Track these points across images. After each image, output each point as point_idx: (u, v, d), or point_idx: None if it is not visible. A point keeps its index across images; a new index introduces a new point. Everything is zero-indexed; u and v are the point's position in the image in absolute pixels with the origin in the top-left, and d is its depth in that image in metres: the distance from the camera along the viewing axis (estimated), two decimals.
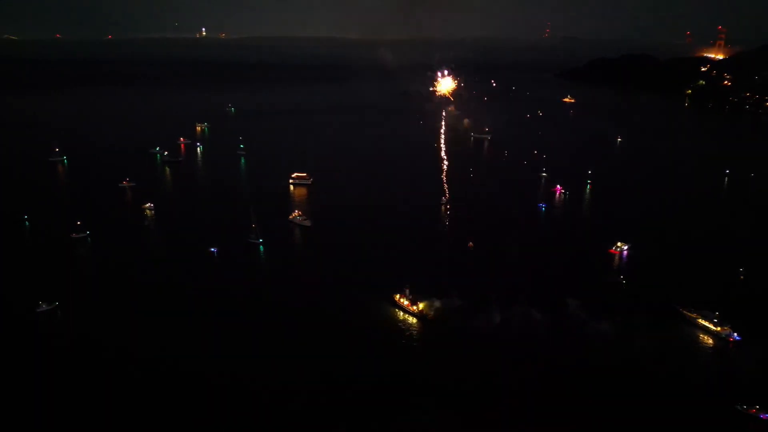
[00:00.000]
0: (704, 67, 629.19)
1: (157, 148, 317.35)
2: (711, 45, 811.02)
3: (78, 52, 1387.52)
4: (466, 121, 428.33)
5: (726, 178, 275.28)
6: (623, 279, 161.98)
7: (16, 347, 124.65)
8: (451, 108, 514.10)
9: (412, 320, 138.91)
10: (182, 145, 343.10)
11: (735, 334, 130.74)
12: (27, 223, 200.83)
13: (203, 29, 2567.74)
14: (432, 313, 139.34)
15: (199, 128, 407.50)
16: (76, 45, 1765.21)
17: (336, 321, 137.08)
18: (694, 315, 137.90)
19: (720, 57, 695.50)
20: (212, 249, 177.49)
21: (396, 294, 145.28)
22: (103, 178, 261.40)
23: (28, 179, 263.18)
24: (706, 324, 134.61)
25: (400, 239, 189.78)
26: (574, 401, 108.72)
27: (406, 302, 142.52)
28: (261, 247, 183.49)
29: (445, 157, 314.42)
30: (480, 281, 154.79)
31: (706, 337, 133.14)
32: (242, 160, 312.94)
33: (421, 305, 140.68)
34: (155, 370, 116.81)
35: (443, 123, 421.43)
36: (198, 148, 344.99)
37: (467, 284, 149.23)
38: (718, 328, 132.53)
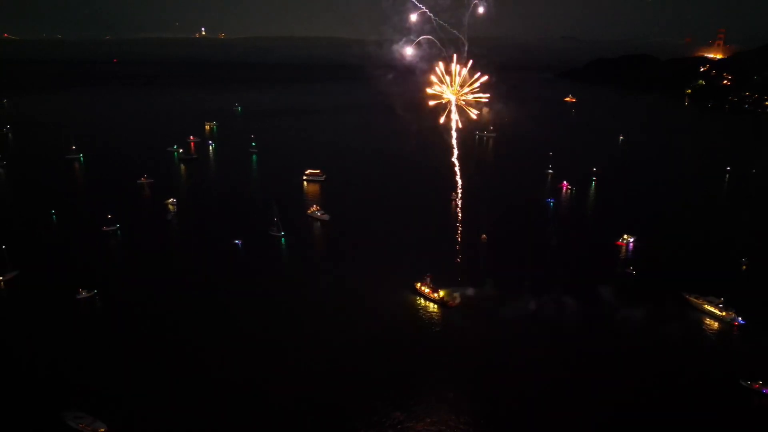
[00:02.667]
0: (704, 67, 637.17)
1: (175, 146, 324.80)
2: (711, 45, 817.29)
3: (78, 52, 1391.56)
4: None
5: (727, 175, 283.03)
6: (632, 269, 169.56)
7: (60, 331, 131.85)
8: (460, 105, 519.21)
9: (433, 307, 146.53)
10: (192, 144, 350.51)
11: (739, 318, 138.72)
12: (54, 217, 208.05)
13: (203, 29, 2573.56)
14: (452, 300, 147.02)
15: (208, 127, 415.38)
16: (76, 45, 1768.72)
17: (359, 307, 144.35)
18: (700, 301, 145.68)
19: (720, 57, 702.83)
20: (236, 241, 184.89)
21: (417, 282, 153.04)
22: (121, 174, 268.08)
23: (48, 177, 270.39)
24: (712, 309, 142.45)
25: (415, 233, 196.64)
26: (588, 382, 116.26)
27: (427, 290, 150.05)
28: (283, 239, 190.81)
29: (453, 154, 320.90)
30: (495, 272, 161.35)
31: (712, 322, 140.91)
32: (254, 158, 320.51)
33: (441, 293, 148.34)
34: (186, 353, 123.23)
35: (450, 121, 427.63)
36: (210, 146, 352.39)
37: (483, 274, 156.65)
38: (723, 313, 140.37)
